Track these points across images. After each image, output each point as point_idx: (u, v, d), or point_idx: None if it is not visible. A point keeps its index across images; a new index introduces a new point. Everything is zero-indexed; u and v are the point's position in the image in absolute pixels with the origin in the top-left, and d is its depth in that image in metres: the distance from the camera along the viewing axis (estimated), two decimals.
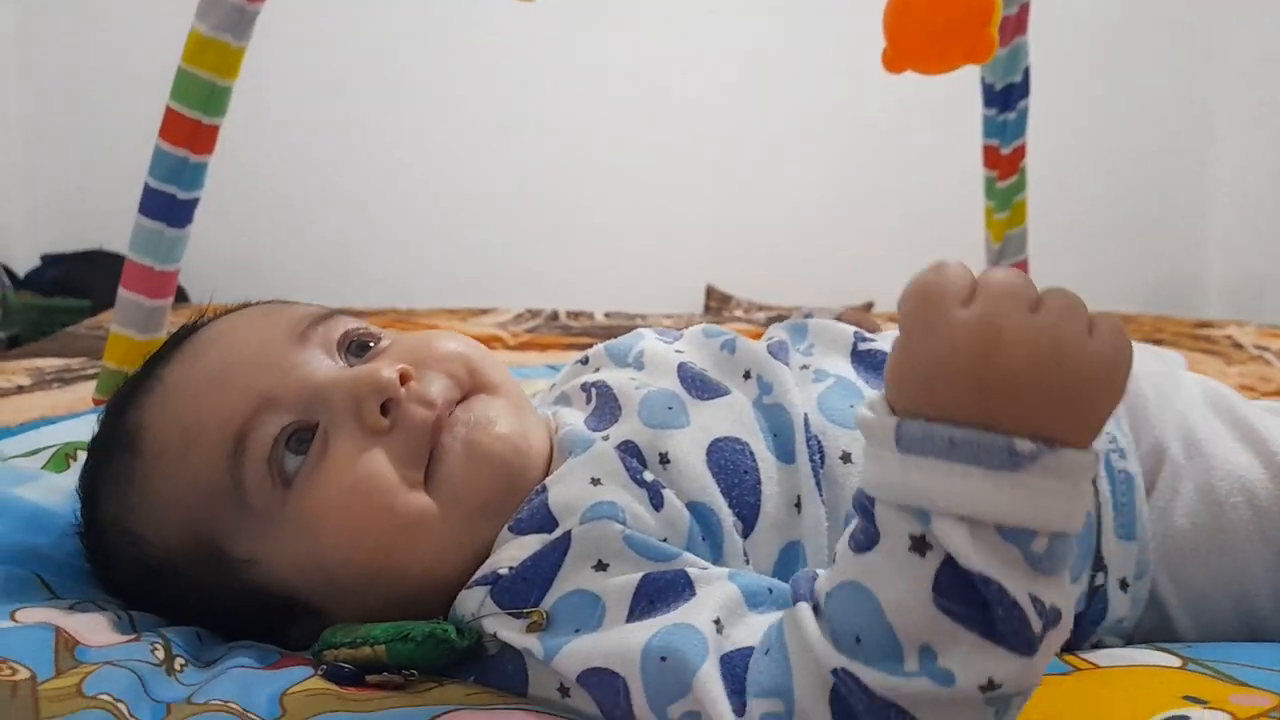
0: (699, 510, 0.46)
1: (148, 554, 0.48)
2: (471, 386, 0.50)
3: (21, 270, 2.53)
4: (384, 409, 0.47)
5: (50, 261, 2.55)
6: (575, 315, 2.00)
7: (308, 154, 2.67)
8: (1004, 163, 1.03)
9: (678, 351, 0.56)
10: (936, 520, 0.32)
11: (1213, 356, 1.55)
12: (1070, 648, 0.49)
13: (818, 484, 0.48)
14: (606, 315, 2.04)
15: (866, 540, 0.34)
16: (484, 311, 1.97)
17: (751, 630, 0.39)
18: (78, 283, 2.42)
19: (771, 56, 2.84)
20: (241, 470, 0.46)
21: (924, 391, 0.33)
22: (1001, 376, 0.31)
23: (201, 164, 0.74)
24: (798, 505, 0.48)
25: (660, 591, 0.42)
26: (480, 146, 2.74)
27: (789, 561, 0.47)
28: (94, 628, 0.46)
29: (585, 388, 0.54)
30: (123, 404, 0.51)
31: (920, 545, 0.32)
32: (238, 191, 2.46)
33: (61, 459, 0.63)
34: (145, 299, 0.76)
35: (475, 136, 2.74)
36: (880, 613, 0.33)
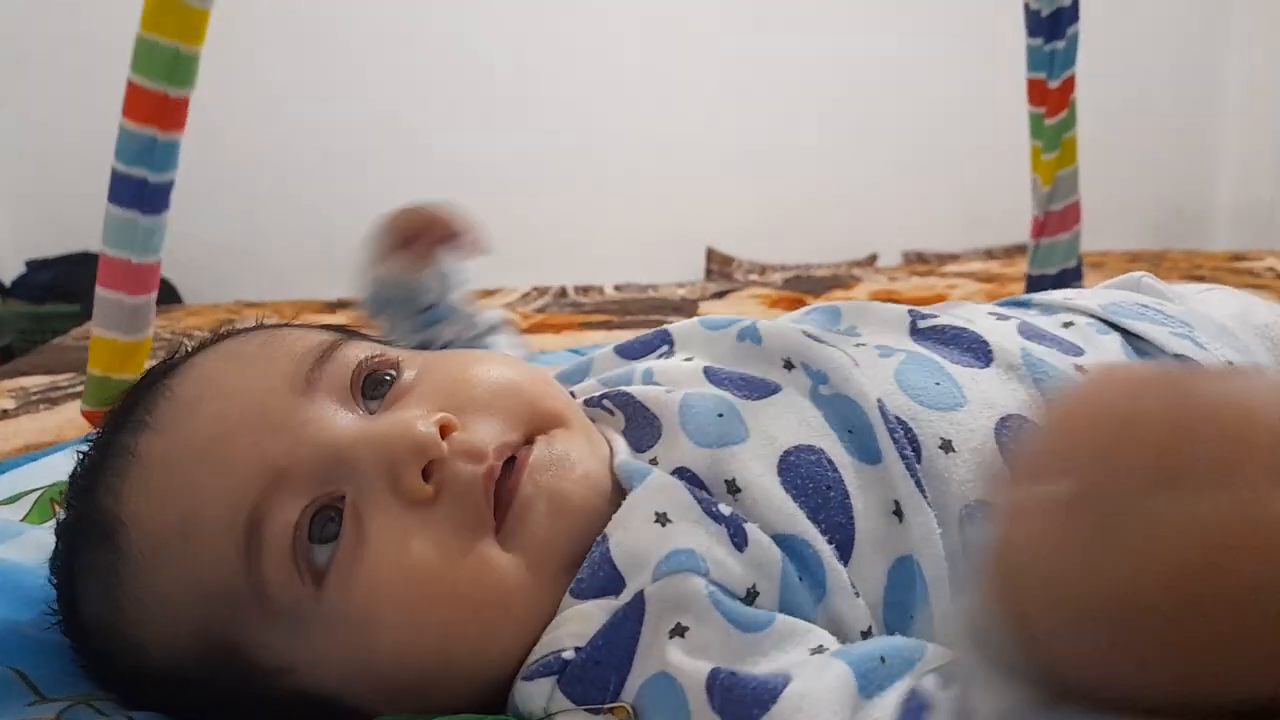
0: (790, 544, 0.38)
1: (149, 662, 0.39)
2: (533, 423, 0.41)
3: (8, 278, 2.47)
4: (425, 472, 0.37)
5: (37, 267, 2.49)
6: (584, 290, 1.92)
7: (299, 134, 2.59)
8: (1052, 97, 0.95)
9: (686, 360, 0.47)
10: None
11: (1262, 291, 1.46)
12: None
13: (918, 484, 0.39)
14: (617, 288, 1.96)
15: None
16: (490, 292, 1.89)
17: None
18: (67, 287, 2.35)
19: (766, 7, 2.76)
20: (261, 569, 0.37)
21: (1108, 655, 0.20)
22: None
23: (172, 142, 0.67)
24: (897, 513, 0.39)
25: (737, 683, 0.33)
26: (475, 125, 2.68)
27: (902, 581, 0.39)
28: None
29: (593, 402, 0.45)
30: (90, 482, 0.41)
31: None
32: (225, 176, 2.39)
33: (46, 506, 0.55)
34: (126, 296, 0.70)
35: (471, 114, 2.67)
36: None
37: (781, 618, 0.35)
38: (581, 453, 0.40)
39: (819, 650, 0.34)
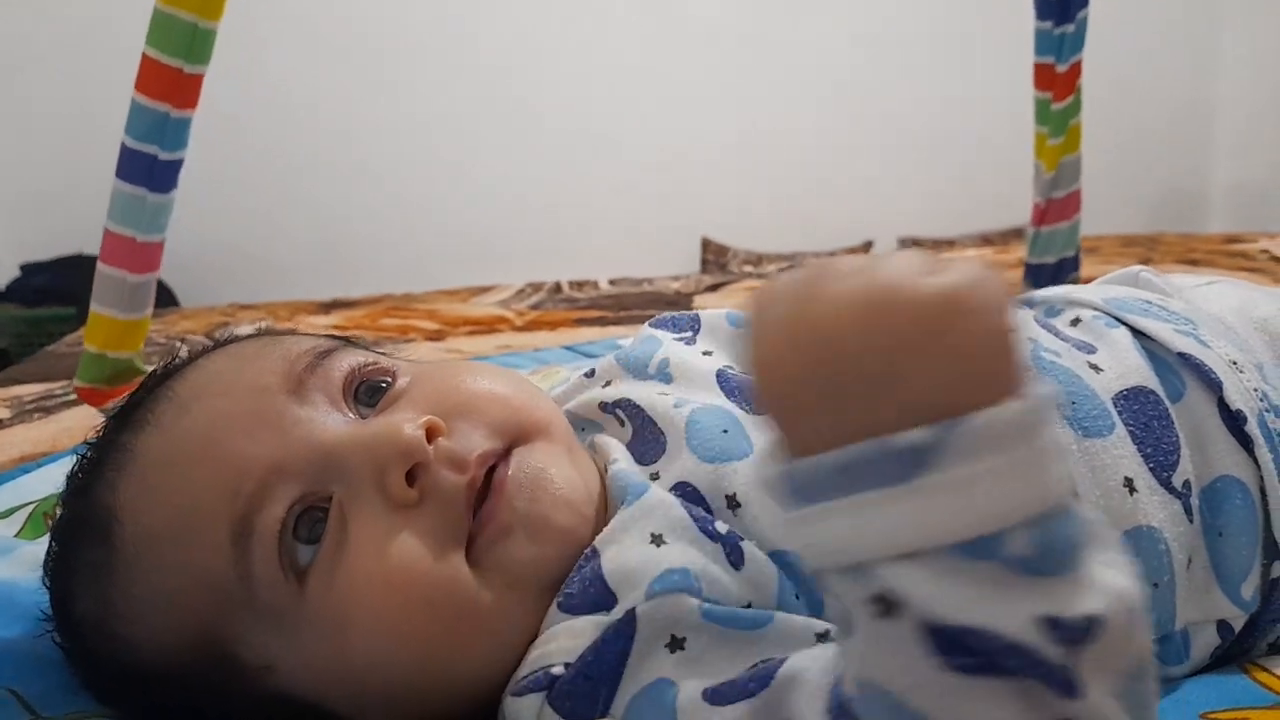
0: (786, 560, 0.37)
1: (138, 660, 0.39)
2: (514, 432, 0.41)
3: (3, 282, 2.46)
4: (410, 476, 0.38)
5: (31, 270, 2.47)
6: (579, 285, 1.91)
7: (293, 136, 2.59)
8: (1059, 82, 0.94)
9: (705, 354, 0.48)
10: (884, 571, 0.25)
11: (1257, 274, 1.46)
12: (1243, 651, 0.43)
13: None
14: (611, 282, 1.95)
15: (843, 623, 0.27)
16: (484, 289, 1.88)
17: None
18: (62, 290, 2.34)
19: None
20: (249, 565, 0.37)
21: (782, 421, 0.26)
22: (832, 360, 0.25)
23: (184, 120, 0.66)
24: None
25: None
26: (466, 123, 2.68)
27: None
28: None
29: (606, 408, 0.45)
30: (87, 480, 0.41)
31: (886, 606, 0.25)
32: (221, 177, 2.37)
33: (39, 521, 0.54)
34: (128, 274, 0.68)
35: (461, 112, 2.67)
36: (903, 708, 0.25)
37: (781, 615, 0.36)
38: (561, 468, 0.40)
39: (824, 635, 0.35)
